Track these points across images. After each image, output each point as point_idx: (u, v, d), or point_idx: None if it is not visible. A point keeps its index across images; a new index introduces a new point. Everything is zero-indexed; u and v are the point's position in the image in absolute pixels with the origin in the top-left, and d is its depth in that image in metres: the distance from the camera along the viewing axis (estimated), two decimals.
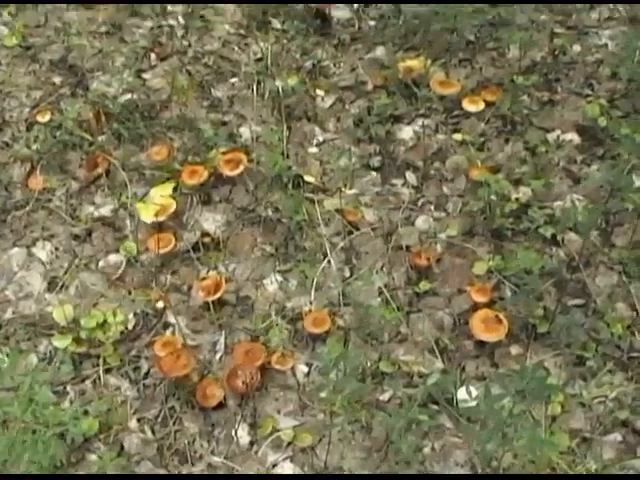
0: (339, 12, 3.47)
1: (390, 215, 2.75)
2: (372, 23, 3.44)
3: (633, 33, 3.28)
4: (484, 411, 1.92)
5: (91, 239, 2.80)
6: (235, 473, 2.25)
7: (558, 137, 2.94)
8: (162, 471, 2.28)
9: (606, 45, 3.31)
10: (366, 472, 2.23)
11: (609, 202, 2.41)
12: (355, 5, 3.49)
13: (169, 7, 3.51)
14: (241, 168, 2.80)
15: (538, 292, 2.47)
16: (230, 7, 3.47)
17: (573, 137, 2.96)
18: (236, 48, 3.35)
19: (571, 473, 2.18)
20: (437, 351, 2.43)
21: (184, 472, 2.27)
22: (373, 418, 2.30)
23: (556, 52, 3.24)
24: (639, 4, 3.41)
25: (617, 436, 2.26)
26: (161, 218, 2.71)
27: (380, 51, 3.29)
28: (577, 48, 3.29)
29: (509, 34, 3.21)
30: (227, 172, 2.81)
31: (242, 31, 3.42)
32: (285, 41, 3.33)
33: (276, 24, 3.42)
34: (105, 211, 2.87)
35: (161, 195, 2.76)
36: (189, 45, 3.37)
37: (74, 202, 2.91)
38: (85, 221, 2.83)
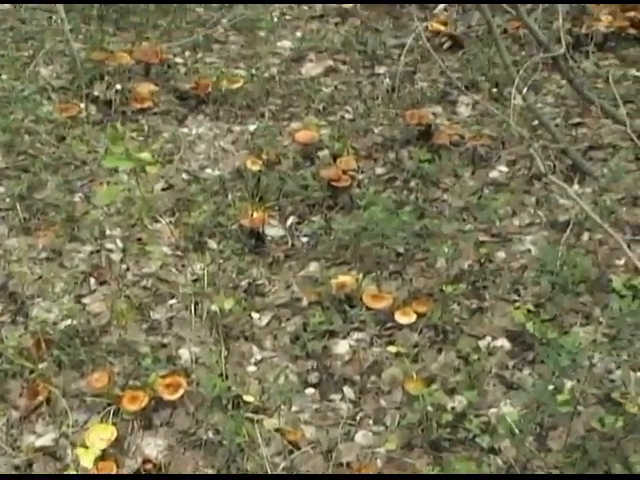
0: (272, 230, 3.61)
1: (330, 431, 2.78)
2: (304, 240, 3.58)
3: (553, 237, 3.46)
4: None
5: (31, 470, 2.77)
6: None
7: (489, 344, 3.04)
8: None
9: (529, 250, 3.47)
10: None
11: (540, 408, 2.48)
12: (288, 223, 3.64)
13: (107, 231, 3.62)
14: (181, 392, 2.83)
15: None
16: (166, 229, 3.59)
17: (504, 343, 3.05)
18: (174, 270, 3.44)
19: None
20: None
21: None
22: None
23: (482, 260, 3.38)
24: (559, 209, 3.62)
25: None
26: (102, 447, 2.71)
27: (313, 267, 3.41)
28: (502, 255, 3.44)
29: (436, 245, 3.37)
30: (167, 396, 2.84)
31: (179, 252, 3.52)
32: (221, 261, 3.44)
33: (212, 244, 3.53)
34: (46, 440, 2.85)
35: (100, 438, 2.76)
36: (127, 269, 3.45)
37: (14, 432, 2.89)
38: (26, 451, 2.82)
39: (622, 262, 3.33)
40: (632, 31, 4.94)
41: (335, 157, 3.90)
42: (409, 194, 3.76)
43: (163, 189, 3.87)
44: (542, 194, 3.73)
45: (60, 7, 4.60)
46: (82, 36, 4.98)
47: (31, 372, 3.01)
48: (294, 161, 3.92)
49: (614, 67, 4.72)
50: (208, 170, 3.99)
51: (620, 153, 3.95)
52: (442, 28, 4.98)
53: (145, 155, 3.01)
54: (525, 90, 3.79)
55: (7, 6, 5.39)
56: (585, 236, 3.47)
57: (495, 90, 4.43)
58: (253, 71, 4.69)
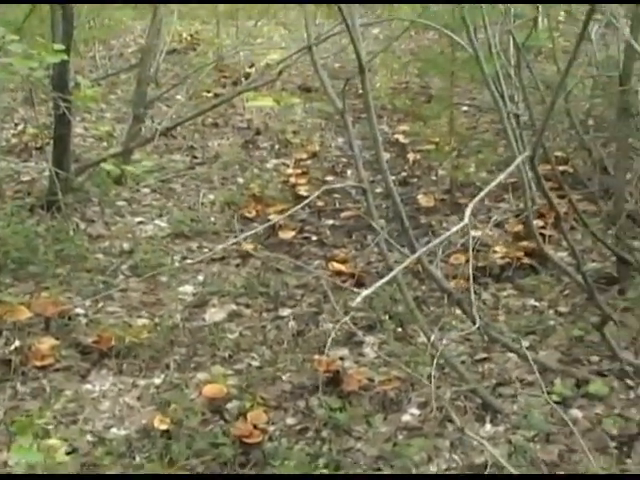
0: None
1: None
2: None
3: None
4: None
5: None
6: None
7: None
8: None
9: None
10: None
11: None
12: None
13: None
14: None
15: None
16: None
17: None
18: None
19: None
20: None
21: None
22: None
23: None
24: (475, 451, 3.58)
25: None
26: None
27: None
28: None
29: None
30: None
31: None
32: None
33: None
34: None
35: None
36: None
37: None
38: None
39: None
40: (526, 260, 5.10)
41: (245, 410, 3.82)
42: (322, 445, 3.68)
43: (67, 453, 3.70)
44: (456, 436, 3.69)
45: None
46: None
47: None
48: (202, 417, 3.82)
49: (512, 297, 4.85)
50: (114, 430, 3.84)
51: (528, 388, 3.98)
52: (342, 267, 5.06)
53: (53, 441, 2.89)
54: (431, 330, 3.84)
55: None
56: None
57: (400, 329, 4.48)
58: (156, 320, 4.65)
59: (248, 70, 9.08)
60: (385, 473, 3.17)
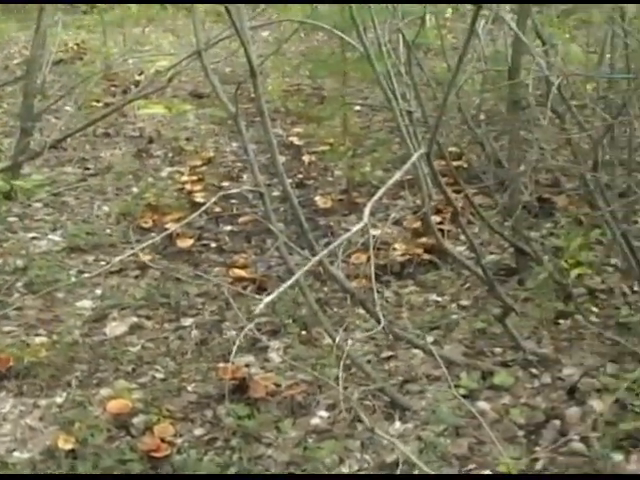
0: None
1: None
2: None
3: None
4: None
5: None
6: None
7: None
8: None
9: None
10: None
11: None
12: None
13: None
14: None
15: None
16: None
17: None
18: None
19: None
20: None
21: None
22: None
23: None
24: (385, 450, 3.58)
25: None
26: None
27: None
28: None
29: None
30: None
31: None
32: None
33: None
34: None
35: None
36: None
37: None
38: None
39: None
40: (427, 256, 5.13)
41: (151, 424, 3.74)
42: (232, 454, 3.62)
43: None
44: (366, 436, 3.68)
45: None
46: None
47: None
48: (108, 434, 3.73)
49: (415, 294, 4.87)
50: (16, 453, 3.71)
51: (435, 383, 3.99)
52: (243, 273, 5.01)
53: None
54: (335, 331, 3.83)
55: None
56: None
57: (304, 332, 4.46)
58: (55, 337, 4.52)
59: (138, 78, 8.96)
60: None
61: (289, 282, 2.26)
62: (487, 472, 3.44)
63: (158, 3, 9.72)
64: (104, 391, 4.08)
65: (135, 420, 3.83)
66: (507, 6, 5.17)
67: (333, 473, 2.66)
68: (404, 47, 4.67)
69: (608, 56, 5.10)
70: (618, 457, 3.44)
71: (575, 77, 4.54)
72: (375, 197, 2.65)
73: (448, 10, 8.04)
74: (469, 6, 6.08)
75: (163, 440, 3.61)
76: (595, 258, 4.82)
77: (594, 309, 4.53)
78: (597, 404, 3.77)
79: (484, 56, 5.38)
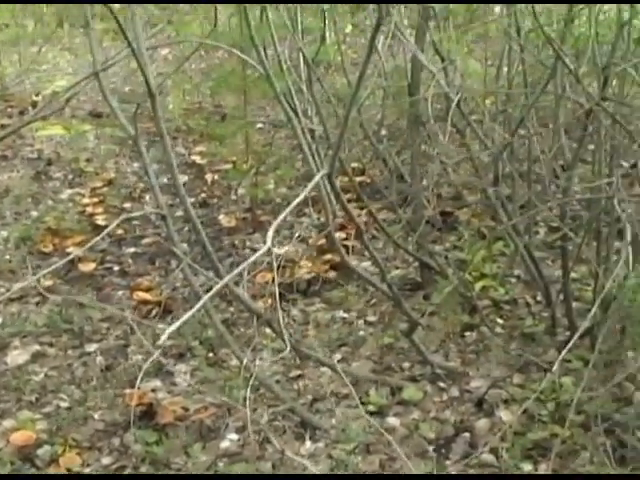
0: None
1: None
2: None
3: None
4: None
5: None
6: None
7: None
8: None
9: None
10: None
11: None
12: None
13: None
14: None
15: None
16: None
17: None
18: None
19: None
20: None
21: None
22: None
23: None
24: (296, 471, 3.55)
25: None
26: None
27: None
28: None
29: None
30: None
31: None
32: None
33: None
34: None
35: None
36: None
37: None
38: None
39: None
40: (332, 274, 5.13)
41: (57, 455, 3.64)
42: None
43: None
44: (277, 457, 3.64)
45: None
46: None
47: None
48: (12, 466, 3.60)
49: (321, 311, 4.86)
50: None
51: (344, 401, 3.99)
52: (147, 296, 4.93)
53: None
54: (243, 352, 3.79)
55: None
56: None
57: (212, 354, 4.40)
58: None
59: (35, 98, 8.76)
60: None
61: (194, 309, 2.22)
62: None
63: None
64: (7, 423, 3.95)
65: (40, 451, 3.72)
66: (406, 21, 5.21)
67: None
68: (304, 64, 4.68)
69: (506, 69, 5.18)
70: (527, 467, 3.49)
71: (474, 92, 4.60)
72: (279, 219, 2.63)
73: (348, 26, 8.08)
74: (369, 21, 6.10)
75: (69, 471, 3.52)
76: (498, 270, 4.88)
77: (499, 320, 4.59)
78: (505, 415, 3.82)
79: (384, 72, 5.41)
